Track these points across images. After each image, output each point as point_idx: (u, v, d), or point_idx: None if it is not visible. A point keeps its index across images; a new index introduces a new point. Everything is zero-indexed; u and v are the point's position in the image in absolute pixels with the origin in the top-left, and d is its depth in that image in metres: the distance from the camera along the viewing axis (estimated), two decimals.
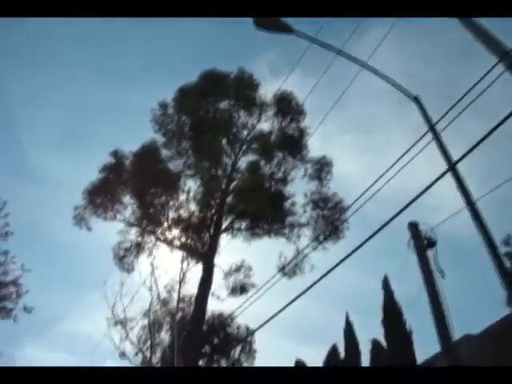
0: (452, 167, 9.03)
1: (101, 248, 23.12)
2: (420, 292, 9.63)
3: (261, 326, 16.26)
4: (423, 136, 9.59)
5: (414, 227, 10.07)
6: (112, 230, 22.50)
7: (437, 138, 9.71)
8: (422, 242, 9.83)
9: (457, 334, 8.90)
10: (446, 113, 8.73)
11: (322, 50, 11.40)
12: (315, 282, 13.10)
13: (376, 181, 10.21)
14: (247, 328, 20.41)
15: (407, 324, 18.60)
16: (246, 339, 19.77)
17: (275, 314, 13.61)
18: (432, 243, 9.81)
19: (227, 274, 22.20)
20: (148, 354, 20.87)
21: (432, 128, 9.89)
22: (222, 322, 19.98)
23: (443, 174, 8.97)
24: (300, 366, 21.43)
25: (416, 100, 10.88)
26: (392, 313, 18.86)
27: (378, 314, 20.00)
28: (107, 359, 22.05)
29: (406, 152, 9.53)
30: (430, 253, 9.97)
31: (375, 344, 19.28)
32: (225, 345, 19.68)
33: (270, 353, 21.90)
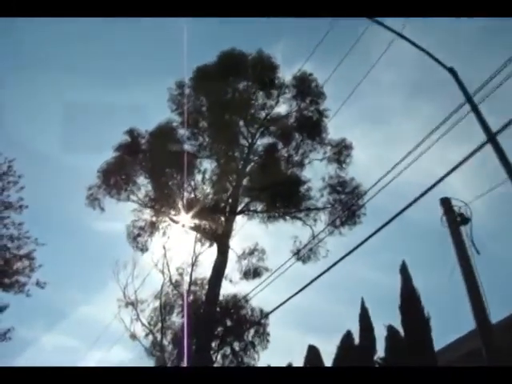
0: (492, 137, 8.62)
1: (114, 229, 22.71)
2: (453, 270, 9.32)
3: (275, 309, 16.12)
4: (460, 107, 9.24)
5: (446, 203, 9.70)
6: (126, 210, 22.13)
7: (475, 109, 9.28)
8: (455, 218, 9.43)
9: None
10: (486, 83, 8.36)
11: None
12: (330, 267, 12.95)
13: (404, 157, 10.06)
14: (261, 310, 20.05)
15: (425, 311, 18.11)
16: (259, 321, 19.33)
17: (289, 298, 13.50)
18: (466, 219, 9.43)
19: (240, 257, 22.01)
20: (159, 336, 20.64)
21: (469, 100, 9.46)
22: (236, 304, 19.59)
23: (482, 146, 8.64)
24: (313, 351, 20.92)
25: (451, 71, 10.45)
26: (409, 299, 18.41)
27: (395, 302, 19.51)
28: (118, 340, 21.89)
29: (439, 126, 9.22)
30: (463, 230, 9.64)
31: (391, 330, 18.92)
32: (238, 327, 19.29)
33: (283, 339, 21.32)
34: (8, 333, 17.77)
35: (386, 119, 23.11)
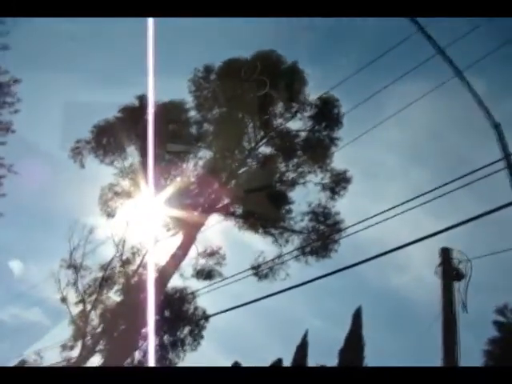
0: None
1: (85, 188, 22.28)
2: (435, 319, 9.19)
3: (215, 314, 15.96)
4: None
5: (446, 253, 9.67)
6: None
7: None
8: (451, 271, 9.38)
9: None
10: None
11: None
12: (286, 289, 12.84)
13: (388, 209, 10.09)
14: (204, 312, 19.77)
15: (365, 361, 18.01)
16: (197, 322, 19.08)
17: (227, 310, 14.05)
18: (461, 275, 9.39)
19: (199, 255, 21.80)
20: (88, 308, 20.32)
21: None
22: (181, 298, 19.33)
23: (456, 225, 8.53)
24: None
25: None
26: (352, 346, 18.28)
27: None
28: (42, 300, 21.48)
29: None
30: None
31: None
32: (175, 320, 19.01)
33: (210, 347, 20.99)
34: None
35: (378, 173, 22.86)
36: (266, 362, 20.49)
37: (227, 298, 18.16)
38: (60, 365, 16.84)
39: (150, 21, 8.80)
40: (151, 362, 15.43)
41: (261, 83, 23.41)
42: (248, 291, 18.70)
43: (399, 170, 24.23)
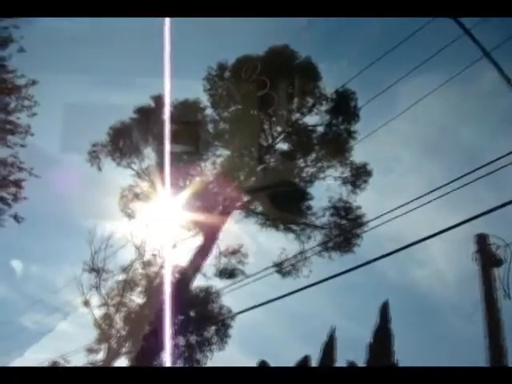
0: None
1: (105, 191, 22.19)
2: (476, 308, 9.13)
3: (240, 313, 15.84)
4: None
5: (482, 240, 9.38)
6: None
7: None
8: (489, 257, 9.09)
9: None
10: None
11: None
12: (309, 286, 12.97)
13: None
14: (229, 310, 19.57)
15: (395, 355, 17.66)
16: (223, 321, 18.89)
17: (256, 306, 14.12)
18: (499, 260, 9.10)
19: (221, 254, 21.70)
20: (112, 310, 20.61)
21: None
22: (206, 297, 19.15)
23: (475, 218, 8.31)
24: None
25: None
26: (381, 340, 17.90)
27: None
28: (66, 304, 21.81)
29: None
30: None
31: (351, 365, 18.38)
32: (200, 320, 18.84)
33: (236, 347, 20.82)
34: None
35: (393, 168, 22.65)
36: (292, 359, 20.14)
37: (251, 296, 18.00)
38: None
39: (167, 21, 8.67)
40: (168, 362, 15.37)
41: (275, 80, 23.33)
42: (271, 289, 18.51)
43: (414, 164, 23.87)
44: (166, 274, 20.32)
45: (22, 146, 17.11)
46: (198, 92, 22.72)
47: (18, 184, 17.28)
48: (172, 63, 9.24)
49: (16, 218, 17.36)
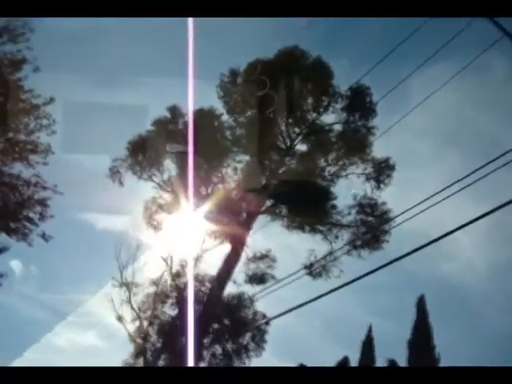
0: None
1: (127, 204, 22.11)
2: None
3: (276, 317, 15.75)
4: None
5: None
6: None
7: None
8: None
9: None
10: None
11: None
12: (342, 286, 12.51)
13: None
14: (264, 315, 19.34)
15: (436, 350, 17.22)
16: (258, 326, 18.68)
17: (292, 309, 14.86)
18: None
19: (250, 260, 21.47)
20: (145, 324, 20.37)
21: None
22: (240, 303, 18.98)
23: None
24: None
25: None
26: (421, 336, 17.49)
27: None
28: (103, 320, 21.73)
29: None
30: None
31: (391, 363, 17.95)
32: (235, 327, 18.65)
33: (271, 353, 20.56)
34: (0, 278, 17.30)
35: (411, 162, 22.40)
36: (330, 361, 19.75)
37: (283, 300, 17.74)
38: None
39: (190, 21, 8.61)
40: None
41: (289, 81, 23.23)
42: (303, 291, 18.27)
43: (433, 156, 23.57)
44: (194, 283, 20.22)
45: (44, 164, 17.28)
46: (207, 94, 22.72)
47: (43, 203, 17.34)
48: (195, 65, 9.00)
49: (44, 236, 17.43)
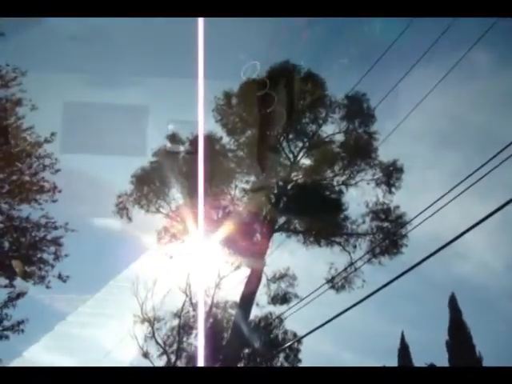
0: None
1: (138, 239, 21.88)
2: None
3: (307, 335, 15.55)
4: None
5: None
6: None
7: None
8: None
9: None
10: None
11: None
12: (368, 296, 12.51)
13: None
14: (294, 334, 18.83)
15: (477, 349, 16.66)
16: (290, 346, 18.14)
17: (322, 324, 13.45)
18: None
19: (270, 281, 21.24)
20: (173, 358, 20.13)
21: None
22: (268, 325, 18.49)
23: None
24: None
25: None
26: (460, 335, 16.89)
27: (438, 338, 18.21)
28: (128, 358, 21.30)
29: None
30: None
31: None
32: (267, 349, 18.11)
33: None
34: (21, 324, 16.65)
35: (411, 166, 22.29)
36: None
37: (308, 317, 17.27)
38: None
39: (200, 21, 8.47)
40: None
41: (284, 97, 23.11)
42: (328, 306, 17.77)
43: (431, 159, 23.56)
44: (217, 311, 19.85)
45: (53, 201, 17.03)
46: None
47: (56, 242, 17.03)
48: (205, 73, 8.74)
49: (61, 277, 17.02)
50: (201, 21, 8.34)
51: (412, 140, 23.57)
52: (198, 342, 19.50)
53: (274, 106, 22.51)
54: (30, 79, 16.54)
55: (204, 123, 21.68)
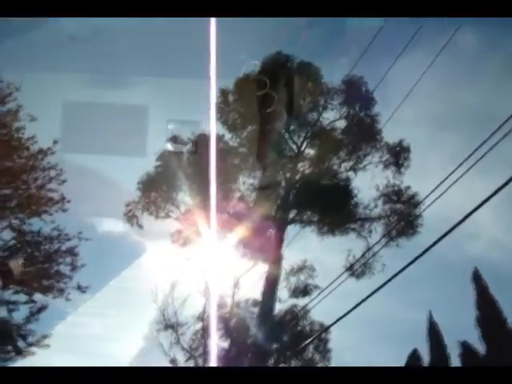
0: None
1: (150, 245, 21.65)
2: None
3: (334, 323, 15.53)
4: None
5: None
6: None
7: None
8: None
9: None
10: None
11: None
12: (389, 280, 12.62)
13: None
14: (321, 325, 18.65)
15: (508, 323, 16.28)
16: (318, 336, 17.87)
17: (348, 312, 13.62)
18: None
19: (289, 274, 20.96)
20: (200, 361, 19.81)
21: None
22: (294, 317, 18.20)
23: None
24: None
25: None
26: (489, 309, 16.52)
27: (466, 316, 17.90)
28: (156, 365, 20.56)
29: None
30: None
31: (466, 347, 16.95)
32: (295, 342, 17.81)
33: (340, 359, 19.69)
34: (46, 338, 16.49)
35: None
36: (401, 358, 18.91)
37: (331, 306, 16.98)
38: None
39: (213, 21, 8.35)
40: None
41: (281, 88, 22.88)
42: (350, 293, 17.48)
43: (430, 141, 23.45)
44: (238, 311, 19.58)
45: (63, 211, 16.95)
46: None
47: (72, 252, 16.91)
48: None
49: (80, 288, 16.92)
50: (213, 21, 8.28)
51: (408, 125, 23.38)
52: (211, 343, 19.50)
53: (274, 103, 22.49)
54: (30, 79, 16.50)
55: (204, 123, 21.65)
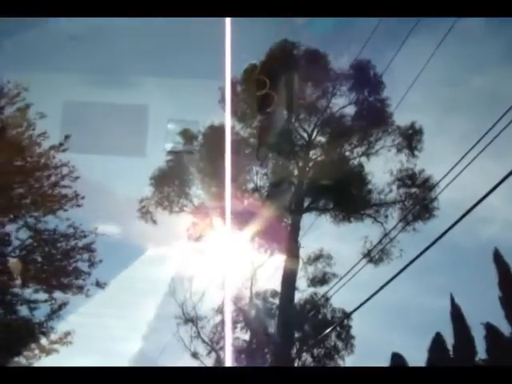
0: None
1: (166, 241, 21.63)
2: None
3: (356, 309, 15.30)
4: None
5: None
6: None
7: None
8: None
9: None
10: None
11: None
12: (408, 265, 12.08)
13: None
14: (343, 311, 18.42)
15: None
16: (341, 323, 17.67)
17: (369, 298, 12.91)
18: None
19: (306, 264, 20.97)
20: (222, 354, 19.84)
21: None
22: (315, 305, 18.04)
23: None
24: (397, 360, 18.91)
25: None
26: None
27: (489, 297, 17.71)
28: (178, 359, 21.12)
29: None
30: None
31: (490, 329, 16.78)
32: (318, 330, 17.64)
33: (366, 343, 19.56)
34: (68, 336, 16.52)
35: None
36: (423, 344, 18.76)
37: (350, 295, 16.83)
38: None
39: (228, 21, 8.37)
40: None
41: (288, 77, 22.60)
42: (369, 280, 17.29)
43: (439, 125, 23.17)
44: (259, 302, 19.43)
45: (78, 206, 16.72)
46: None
47: (89, 249, 16.77)
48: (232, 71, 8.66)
49: (98, 284, 16.85)
50: (226, 21, 8.18)
51: (417, 109, 23.11)
52: (226, 341, 19.37)
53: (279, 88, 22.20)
54: (30, 79, 16.30)
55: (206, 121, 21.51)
